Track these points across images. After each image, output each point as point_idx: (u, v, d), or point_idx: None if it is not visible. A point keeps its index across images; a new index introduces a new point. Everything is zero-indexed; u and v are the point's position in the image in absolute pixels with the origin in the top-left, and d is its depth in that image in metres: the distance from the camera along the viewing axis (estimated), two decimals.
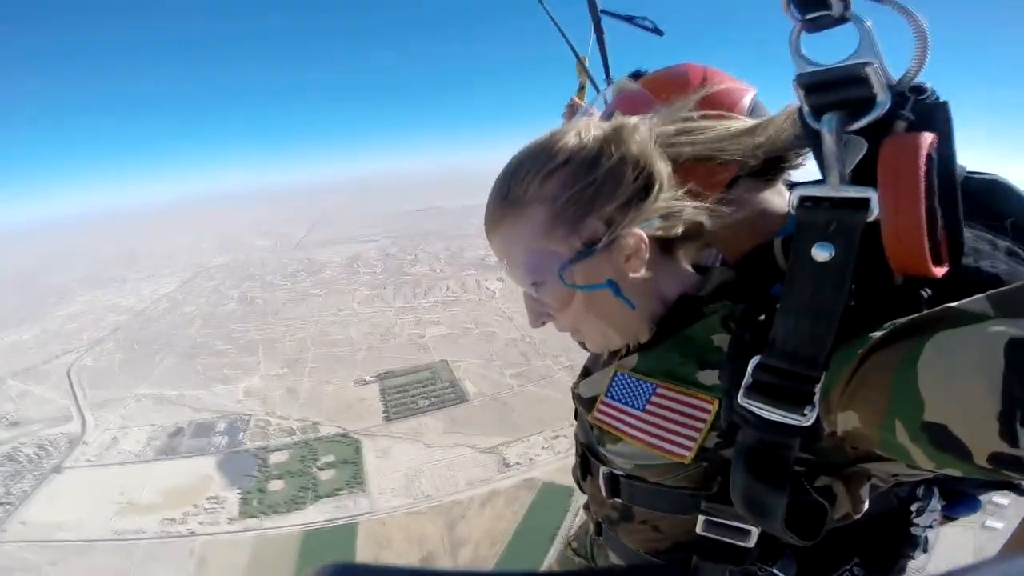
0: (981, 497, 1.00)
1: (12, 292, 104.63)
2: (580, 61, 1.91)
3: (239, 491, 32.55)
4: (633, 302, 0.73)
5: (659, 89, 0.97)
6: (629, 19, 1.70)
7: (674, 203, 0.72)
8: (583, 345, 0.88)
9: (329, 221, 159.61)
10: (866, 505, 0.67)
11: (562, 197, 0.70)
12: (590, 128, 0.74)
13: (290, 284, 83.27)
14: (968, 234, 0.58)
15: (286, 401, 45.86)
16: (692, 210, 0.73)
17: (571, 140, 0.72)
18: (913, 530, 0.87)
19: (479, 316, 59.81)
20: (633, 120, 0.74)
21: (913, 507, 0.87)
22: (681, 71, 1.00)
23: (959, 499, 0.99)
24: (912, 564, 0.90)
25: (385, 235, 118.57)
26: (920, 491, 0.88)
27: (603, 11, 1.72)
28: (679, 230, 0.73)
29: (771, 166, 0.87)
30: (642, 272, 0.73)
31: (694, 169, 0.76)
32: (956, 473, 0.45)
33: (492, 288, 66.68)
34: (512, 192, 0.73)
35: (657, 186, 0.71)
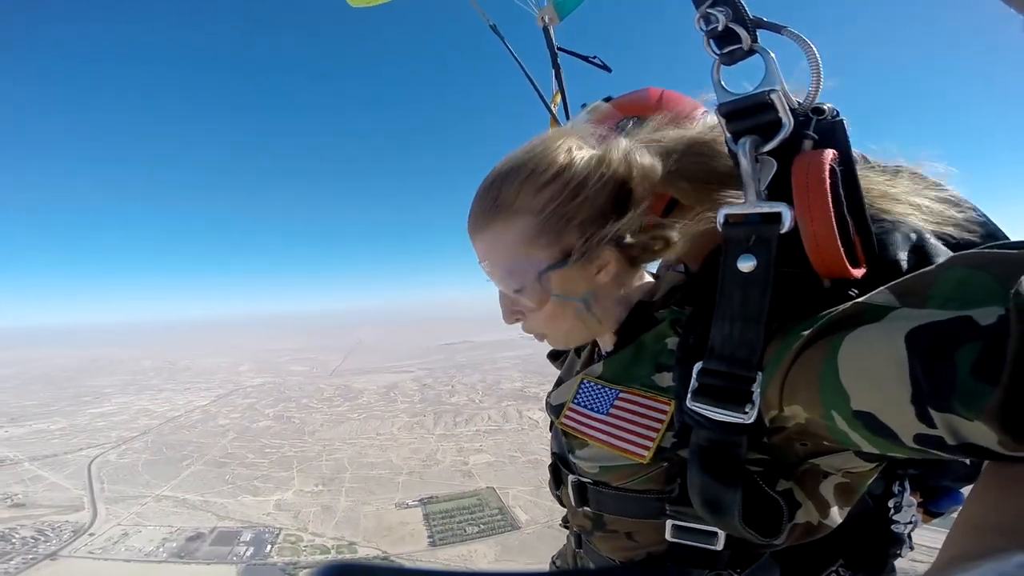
0: (962, 490, 1.02)
1: (48, 387, 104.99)
2: (550, 110, 1.89)
3: None
4: (599, 314, 0.80)
5: (624, 108, 1.06)
6: (583, 57, 1.76)
7: (646, 220, 0.76)
8: (551, 345, 0.91)
9: (364, 351, 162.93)
10: (835, 509, 0.69)
11: (548, 209, 0.74)
12: (581, 146, 0.78)
13: (327, 407, 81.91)
14: (889, 229, 0.64)
15: (320, 518, 42.08)
16: (662, 228, 0.77)
17: (562, 156, 0.75)
18: (894, 528, 0.89)
19: (524, 445, 56.55)
20: (623, 143, 0.77)
21: (890, 503, 0.90)
22: (643, 93, 1.09)
23: (940, 494, 1.01)
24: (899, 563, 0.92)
25: (420, 367, 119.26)
26: (895, 487, 0.91)
27: (560, 48, 1.77)
28: (653, 245, 0.77)
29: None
30: (610, 282, 0.79)
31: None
32: (899, 455, 0.49)
33: (535, 418, 64.01)
34: (503, 198, 0.75)
35: (634, 204, 0.75)
